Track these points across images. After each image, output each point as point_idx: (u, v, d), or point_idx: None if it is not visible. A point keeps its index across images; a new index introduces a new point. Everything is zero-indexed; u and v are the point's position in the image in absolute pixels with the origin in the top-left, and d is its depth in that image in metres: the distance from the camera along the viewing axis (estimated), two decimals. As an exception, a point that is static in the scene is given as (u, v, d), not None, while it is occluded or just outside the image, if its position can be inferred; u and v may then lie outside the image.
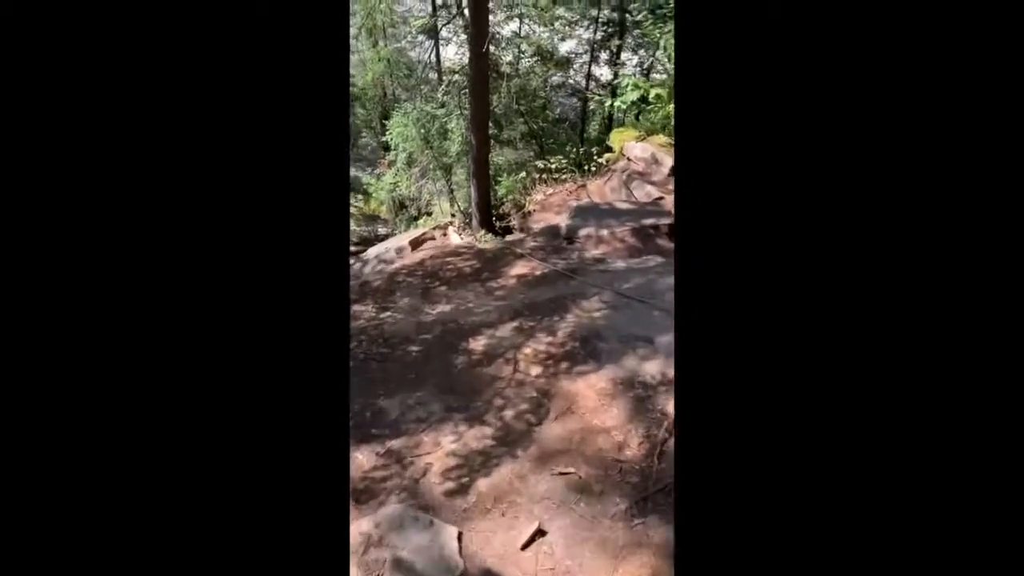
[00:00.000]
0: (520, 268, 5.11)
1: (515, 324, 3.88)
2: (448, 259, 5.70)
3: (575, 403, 2.92)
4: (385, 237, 12.40)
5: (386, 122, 10.21)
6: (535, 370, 3.29)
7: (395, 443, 2.75)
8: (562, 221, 6.99)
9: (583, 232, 6.24)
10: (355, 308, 4.57)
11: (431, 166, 9.66)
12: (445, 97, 9.10)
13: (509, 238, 7.25)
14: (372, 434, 2.82)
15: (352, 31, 11.15)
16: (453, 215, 10.17)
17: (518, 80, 8.68)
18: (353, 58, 11.23)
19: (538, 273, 4.94)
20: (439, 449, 2.70)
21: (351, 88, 12.33)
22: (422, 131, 8.97)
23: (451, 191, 10.21)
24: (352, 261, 10.78)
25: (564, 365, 3.26)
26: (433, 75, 10.81)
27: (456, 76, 8.72)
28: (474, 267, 5.22)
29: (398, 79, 11.51)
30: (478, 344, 3.67)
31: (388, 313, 4.36)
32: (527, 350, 3.52)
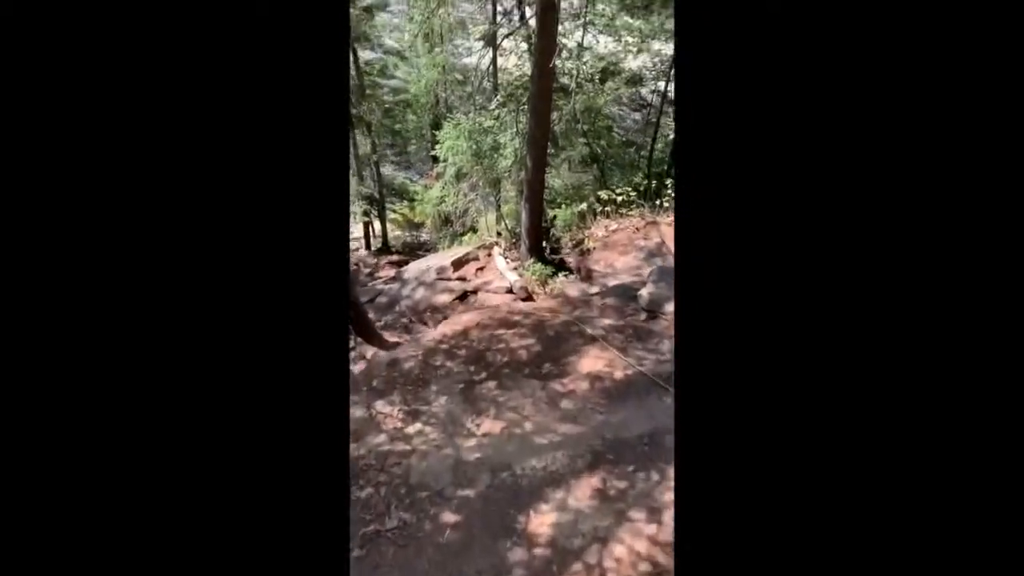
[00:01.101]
0: (592, 360, 3.75)
1: (595, 481, 2.63)
2: (499, 332, 4.18)
3: None
4: (428, 249, 12.05)
5: (436, 132, 9.76)
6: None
7: None
8: (638, 282, 5.48)
9: (670, 307, 4.58)
10: (379, 409, 3.26)
11: (480, 182, 9.12)
12: (500, 110, 8.54)
13: (565, 281, 6.57)
14: None
15: (408, 37, 10.84)
16: (499, 233, 9.64)
17: (582, 97, 7.99)
18: (407, 64, 10.91)
19: (618, 375, 3.58)
20: None
21: (404, 95, 12.06)
22: (473, 145, 8.42)
23: (498, 208, 9.65)
24: (392, 275, 10.55)
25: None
26: (488, 84, 10.28)
27: (515, 89, 8.12)
28: (532, 350, 3.87)
29: (452, 87, 11.11)
30: (542, 522, 2.39)
31: (417, 430, 3.08)
32: (619, 550, 2.21)
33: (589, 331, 4.24)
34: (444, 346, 4.10)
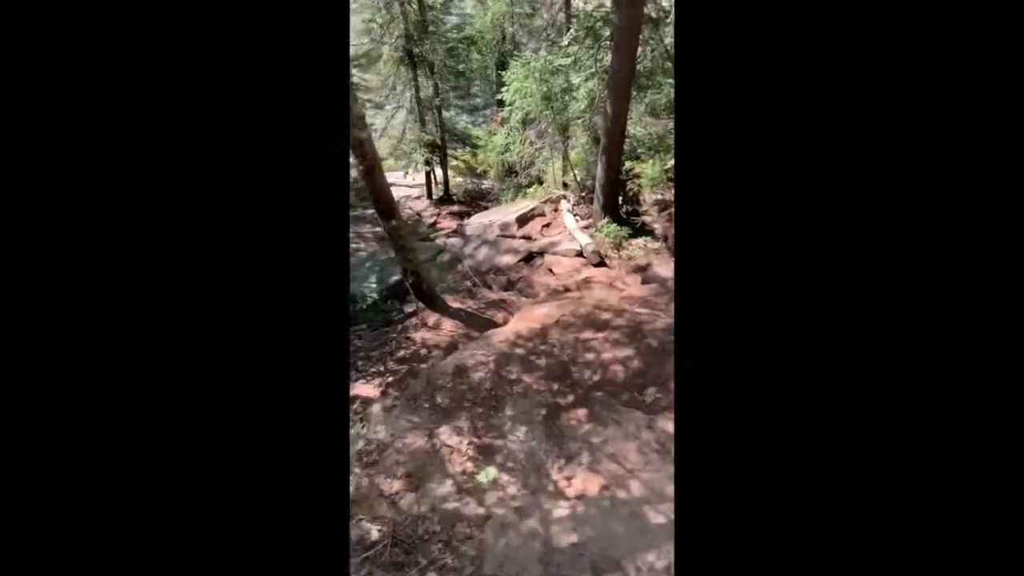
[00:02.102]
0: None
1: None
2: (585, 336, 3.16)
3: None
4: (491, 199, 11.50)
5: (502, 72, 8.94)
6: None
7: None
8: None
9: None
10: (444, 440, 2.48)
11: (548, 128, 8.33)
12: (575, 46, 7.59)
13: (646, 247, 5.85)
14: None
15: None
16: (566, 185, 8.92)
17: (671, 30, 6.88)
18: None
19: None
20: None
21: (468, 31, 11.15)
22: (543, 87, 7.59)
23: (566, 157, 8.87)
24: (453, 228, 10.16)
25: None
26: (562, 17, 9.21)
27: (593, 21, 7.11)
28: (630, 365, 2.79)
29: (520, 20, 10.10)
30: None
31: (492, 480, 2.33)
32: None
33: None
34: (519, 350, 3.21)
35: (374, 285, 4.44)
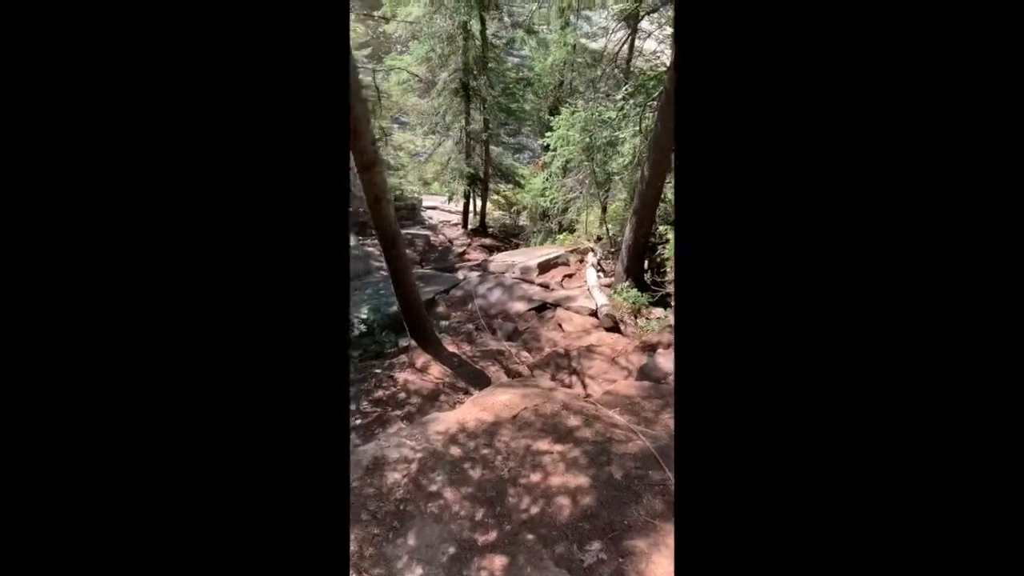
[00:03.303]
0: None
1: None
2: (540, 445, 2.54)
3: None
4: (524, 237, 11.32)
5: (553, 117, 8.86)
6: None
7: None
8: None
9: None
10: None
11: (586, 180, 8.13)
12: (627, 101, 7.43)
13: (662, 319, 5.46)
14: None
15: (542, 9, 9.96)
16: (599, 239, 8.62)
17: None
18: (535, 40, 10.07)
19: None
20: None
21: (525, 72, 11.26)
22: (586, 137, 7.42)
23: (603, 211, 8.61)
24: (480, 260, 10.02)
25: None
26: (620, 71, 9.13)
27: (647, 79, 6.94)
28: (580, 500, 2.19)
29: (580, 70, 10.10)
30: None
31: None
32: None
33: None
34: (455, 450, 2.54)
35: (364, 315, 4.20)
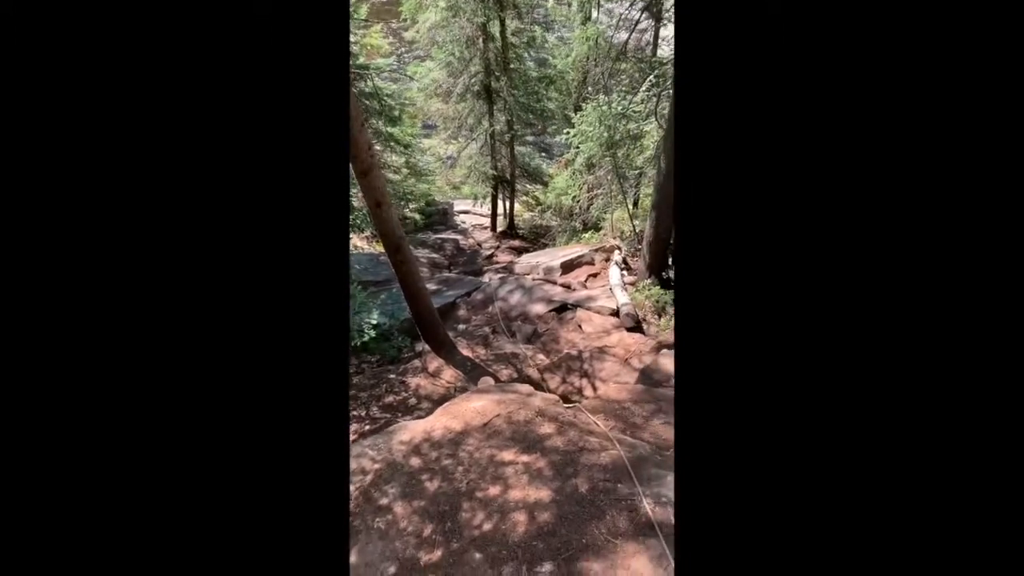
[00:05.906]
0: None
1: None
2: (506, 455, 2.42)
3: None
4: (553, 237, 11.18)
5: (574, 114, 8.70)
6: None
7: None
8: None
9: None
10: None
11: (609, 176, 7.92)
12: (648, 93, 7.18)
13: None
14: None
15: (561, 5, 9.81)
16: (624, 235, 8.37)
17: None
18: (553, 36, 9.93)
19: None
20: None
21: (549, 70, 11.11)
22: (605, 132, 7.22)
23: (628, 206, 8.36)
24: (507, 262, 9.96)
25: None
26: (644, 63, 8.85)
27: (667, 68, 6.68)
28: (537, 517, 2.03)
29: (603, 64, 9.88)
30: None
31: None
32: None
33: (648, 506, 1.96)
34: (415, 461, 2.39)
35: (374, 320, 4.22)
